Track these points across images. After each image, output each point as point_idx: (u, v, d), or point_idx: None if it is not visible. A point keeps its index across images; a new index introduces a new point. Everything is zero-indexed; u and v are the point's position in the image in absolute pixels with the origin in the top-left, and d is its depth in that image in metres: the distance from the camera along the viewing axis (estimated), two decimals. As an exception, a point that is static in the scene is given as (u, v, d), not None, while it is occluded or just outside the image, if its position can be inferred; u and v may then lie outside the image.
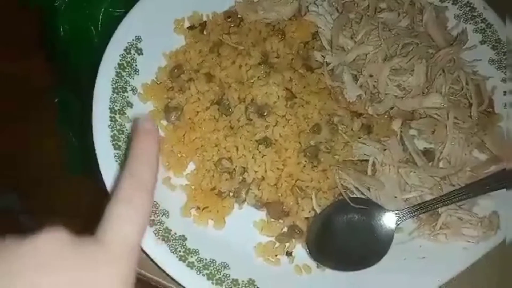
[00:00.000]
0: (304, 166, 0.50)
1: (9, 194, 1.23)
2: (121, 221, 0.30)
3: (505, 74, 0.60)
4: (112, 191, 0.31)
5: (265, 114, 0.50)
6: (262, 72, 0.52)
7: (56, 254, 0.26)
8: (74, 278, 0.26)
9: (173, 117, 0.51)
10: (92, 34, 0.77)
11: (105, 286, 0.27)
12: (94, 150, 0.47)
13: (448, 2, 0.63)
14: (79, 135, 0.95)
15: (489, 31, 0.62)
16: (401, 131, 0.55)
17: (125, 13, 0.55)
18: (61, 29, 0.77)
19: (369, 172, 0.52)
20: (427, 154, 0.55)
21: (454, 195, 0.51)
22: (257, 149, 0.49)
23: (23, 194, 1.23)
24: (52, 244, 0.26)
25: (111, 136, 0.46)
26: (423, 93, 0.56)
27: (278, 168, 0.49)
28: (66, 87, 0.91)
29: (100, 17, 0.75)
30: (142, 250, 0.43)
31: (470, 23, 0.62)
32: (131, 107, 0.49)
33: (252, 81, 0.52)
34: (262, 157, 0.49)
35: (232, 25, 0.57)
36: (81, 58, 0.79)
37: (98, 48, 0.55)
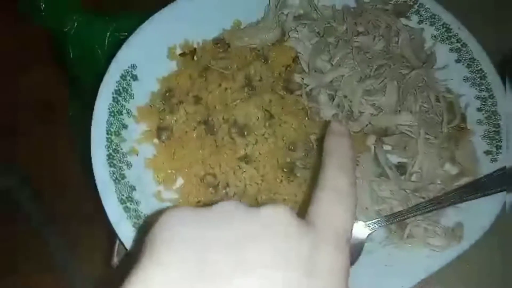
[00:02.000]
0: (281, 181, 0.54)
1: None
2: (331, 206, 0.29)
3: (478, 91, 0.64)
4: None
5: (245, 133, 0.55)
6: (245, 94, 0.58)
7: (287, 226, 0.27)
8: (300, 252, 0.26)
9: (164, 136, 0.57)
10: (99, 56, 0.83)
11: (324, 269, 0.27)
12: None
13: (426, 24, 0.67)
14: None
15: (464, 50, 0.65)
16: (374, 147, 0.59)
17: (128, 37, 0.61)
18: (70, 51, 0.84)
19: (343, 186, 0.57)
20: (400, 168, 0.59)
21: (421, 207, 0.55)
22: (238, 166, 0.54)
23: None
24: (283, 216, 0.27)
25: (107, 155, 0.52)
26: (397, 111, 0.60)
27: (257, 183, 0.54)
28: (77, 103, 0.98)
29: (106, 40, 0.82)
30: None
31: (446, 43, 0.66)
32: (126, 128, 0.55)
33: (235, 103, 0.57)
34: (243, 173, 0.54)
35: (220, 50, 0.62)
36: (89, 77, 0.86)
37: (104, 69, 0.61)
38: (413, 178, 0.59)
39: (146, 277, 0.25)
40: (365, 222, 0.54)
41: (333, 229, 0.28)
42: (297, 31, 0.62)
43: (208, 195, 0.54)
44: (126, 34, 0.81)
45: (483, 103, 0.63)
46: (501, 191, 0.54)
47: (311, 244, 0.27)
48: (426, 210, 0.55)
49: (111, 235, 0.51)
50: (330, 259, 0.27)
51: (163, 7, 0.62)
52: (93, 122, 0.54)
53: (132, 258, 0.25)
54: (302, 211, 0.31)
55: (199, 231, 0.27)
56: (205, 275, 0.25)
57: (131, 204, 0.51)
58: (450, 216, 0.56)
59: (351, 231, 0.30)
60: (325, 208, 0.29)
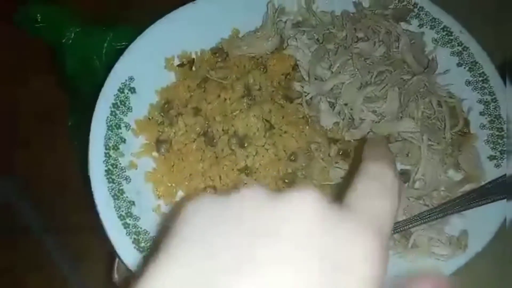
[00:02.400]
0: (283, 192, 0.54)
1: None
2: (373, 194, 0.27)
3: (481, 95, 0.63)
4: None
5: (245, 144, 0.54)
6: (244, 104, 0.57)
7: (315, 210, 0.24)
8: (333, 239, 0.23)
9: (163, 149, 0.56)
10: (96, 65, 0.83)
11: (358, 258, 0.23)
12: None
13: (426, 27, 0.66)
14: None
15: (465, 54, 0.65)
16: (377, 155, 0.58)
17: (126, 47, 0.60)
18: (68, 62, 0.83)
19: (346, 195, 0.56)
20: (403, 175, 0.59)
21: (425, 215, 0.54)
22: (239, 178, 0.54)
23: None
24: (314, 200, 0.24)
25: (105, 171, 0.52)
26: (399, 117, 0.59)
27: (258, 195, 0.53)
28: (76, 113, 0.98)
29: (104, 50, 0.81)
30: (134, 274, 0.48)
31: (447, 47, 0.65)
32: (124, 142, 0.55)
33: (235, 113, 0.56)
34: (243, 185, 0.53)
35: (219, 60, 0.62)
36: (88, 86, 0.85)
37: (102, 78, 0.61)
38: (417, 185, 0.58)
39: (162, 271, 0.24)
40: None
41: (374, 217, 0.25)
42: (296, 39, 0.61)
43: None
44: (123, 44, 0.81)
45: (486, 107, 0.62)
46: (501, 199, 0.54)
47: (345, 231, 0.24)
48: (431, 218, 0.54)
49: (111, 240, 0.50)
50: (367, 248, 0.24)
51: (160, 17, 0.62)
52: (90, 137, 0.53)
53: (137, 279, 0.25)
54: (338, 196, 0.28)
55: (216, 222, 0.25)
56: (219, 269, 0.23)
57: (130, 219, 0.50)
58: (454, 224, 0.55)
59: (392, 226, 0.27)
60: (365, 194, 0.27)
